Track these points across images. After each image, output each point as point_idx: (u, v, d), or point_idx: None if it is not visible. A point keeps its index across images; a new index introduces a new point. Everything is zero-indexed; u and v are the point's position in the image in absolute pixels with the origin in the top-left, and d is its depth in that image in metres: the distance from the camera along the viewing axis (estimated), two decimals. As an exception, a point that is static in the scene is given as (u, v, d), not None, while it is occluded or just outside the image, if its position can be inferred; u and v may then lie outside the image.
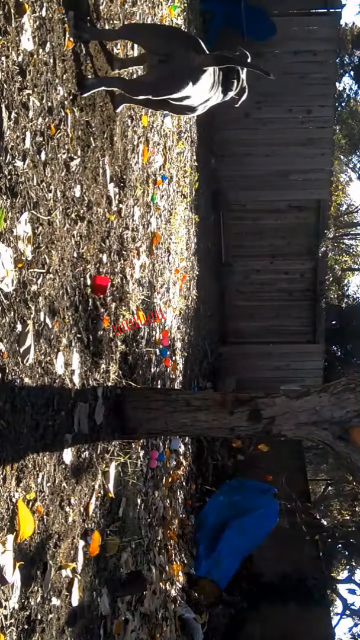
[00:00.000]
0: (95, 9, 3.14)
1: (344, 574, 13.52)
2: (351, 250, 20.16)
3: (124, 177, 3.66)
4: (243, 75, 3.37)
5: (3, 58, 2.02)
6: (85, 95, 2.85)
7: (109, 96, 3.31)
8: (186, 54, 2.95)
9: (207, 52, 3.07)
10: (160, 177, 4.85)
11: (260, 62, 8.41)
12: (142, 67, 3.59)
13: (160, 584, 4.40)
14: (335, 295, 16.06)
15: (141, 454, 3.95)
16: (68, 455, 2.58)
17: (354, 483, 10.03)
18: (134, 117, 3.95)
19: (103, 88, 3.04)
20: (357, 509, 12.23)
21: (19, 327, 2.08)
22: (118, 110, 3.43)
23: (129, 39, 3.44)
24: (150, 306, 4.42)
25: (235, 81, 3.34)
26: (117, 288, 3.48)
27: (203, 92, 3.16)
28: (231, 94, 3.38)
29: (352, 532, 10.36)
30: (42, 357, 2.31)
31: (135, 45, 3.77)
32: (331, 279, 15.74)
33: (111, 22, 3.41)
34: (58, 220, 2.49)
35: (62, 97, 2.58)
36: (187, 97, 3.12)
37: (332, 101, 9.24)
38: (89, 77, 2.91)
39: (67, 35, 2.64)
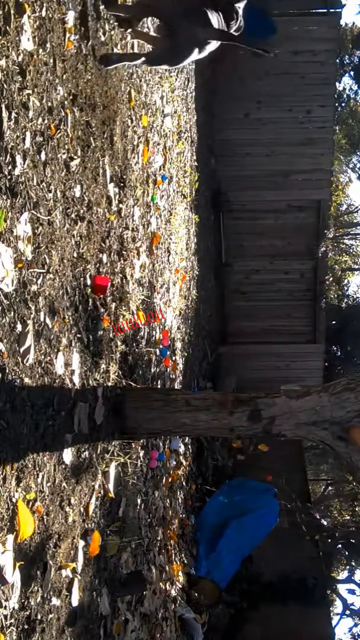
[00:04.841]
0: None
1: (344, 574, 13.50)
2: (351, 250, 20.14)
3: (124, 177, 3.66)
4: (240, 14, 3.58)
5: (3, 58, 2.02)
6: (108, 68, 3.03)
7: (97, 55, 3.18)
8: (192, 28, 3.13)
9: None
10: (160, 177, 4.85)
11: (260, 62, 8.44)
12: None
13: (160, 584, 4.39)
14: (335, 295, 16.05)
15: (141, 454, 3.95)
16: (68, 455, 2.58)
17: (354, 483, 10.03)
18: (134, 117, 3.95)
19: (126, 63, 3.19)
20: (357, 509, 12.22)
21: (19, 327, 2.08)
22: (109, 68, 3.34)
23: (143, 10, 3.50)
24: (150, 306, 4.42)
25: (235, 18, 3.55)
26: (117, 288, 3.48)
27: (209, 49, 3.37)
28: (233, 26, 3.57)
29: (352, 532, 10.34)
30: (42, 357, 2.31)
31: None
32: (331, 279, 15.73)
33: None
34: (58, 220, 2.49)
35: (62, 97, 2.58)
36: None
37: (332, 101, 9.26)
38: (111, 52, 3.07)
39: (67, 35, 2.64)
